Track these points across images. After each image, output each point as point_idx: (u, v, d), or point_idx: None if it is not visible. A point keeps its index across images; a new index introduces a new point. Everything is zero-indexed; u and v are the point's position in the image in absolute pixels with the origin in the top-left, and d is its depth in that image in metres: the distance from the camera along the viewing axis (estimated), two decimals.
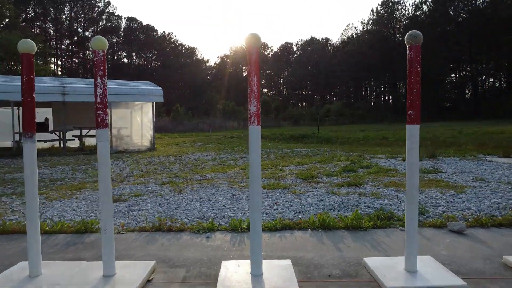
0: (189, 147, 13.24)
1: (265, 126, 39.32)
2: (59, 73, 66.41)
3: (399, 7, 57.59)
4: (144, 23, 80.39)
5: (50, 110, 14.51)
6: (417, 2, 55.90)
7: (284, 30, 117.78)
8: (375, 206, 3.48)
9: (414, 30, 1.85)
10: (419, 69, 1.83)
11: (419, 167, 1.92)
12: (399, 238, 2.58)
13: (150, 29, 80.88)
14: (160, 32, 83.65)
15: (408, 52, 1.85)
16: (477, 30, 47.42)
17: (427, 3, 54.24)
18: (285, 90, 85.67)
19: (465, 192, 4.06)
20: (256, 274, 1.90)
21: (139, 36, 79.37)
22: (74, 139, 13.73)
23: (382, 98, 65.65)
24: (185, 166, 7.30)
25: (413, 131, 1.90)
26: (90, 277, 1.94)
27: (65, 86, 12.08)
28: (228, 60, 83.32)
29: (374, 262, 2.05)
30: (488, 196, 3.81)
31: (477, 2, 51.74)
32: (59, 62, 71.28)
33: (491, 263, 2.14)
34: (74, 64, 74.06)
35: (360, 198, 3.84)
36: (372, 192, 4.14)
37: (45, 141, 13.31)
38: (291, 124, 47.53)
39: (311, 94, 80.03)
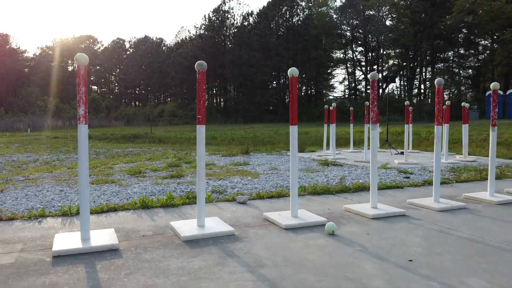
0: (4, 148, 12.00)
1: (95, 126, 37.33)
2: None
3: (229, 16, 61.57)
4: None
5: None
6: (244, 14, 60.75)
7: (116, 25, 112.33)
8: (188, 190, 4.34)
9: (201, 61, 2.72)
10: (204, 87, 2.70)
11: (204, 159, 2.80)
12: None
13: None
14: None
15: (197, 75, 2.71)
16: (293, 44, 54.51)
17: (253, 15, 59.54)
18: (117, 88, 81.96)
19: (259, 177, 5.30)
20: (85, 239, 2.49)
21: None
22: None
23: (214, 101, 69.11)
24: (3, 168, 6.87)
25: (201, 130, 2.76)
26: None
27: None
28: (51, 52, 75.14)
29: (176, 223, 2.87)
30: (273, 180, 5.10)
31: (294, 20, 59.18)
32: None
33: (257, 219, 3.19)
34: None
35: (177, 185, 4.66)
36: (188, 181, 5.01)
37: None
38: (123, 124, 46.07)
39: (145, 94, 78.64)
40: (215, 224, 2.86)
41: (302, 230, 2.85)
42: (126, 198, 3.95)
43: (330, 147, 8.70)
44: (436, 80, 3.63)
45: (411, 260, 2.23)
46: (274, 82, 62.96)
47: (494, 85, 3.79)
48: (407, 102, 8.26)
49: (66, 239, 2.50)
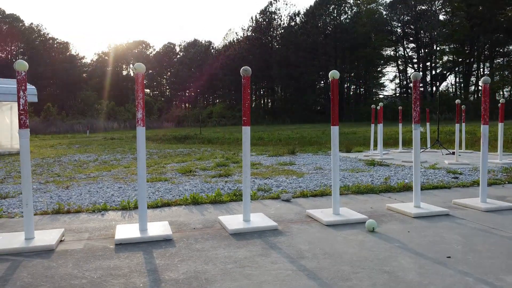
0: (67, 149, 12.94)
1: (148, 128, 38.91)
2: None
3: (276, 17, 61.82)
4: (7, 12, 71.95)
5: None
6: (291, 14, 60.74)
7: (167, 30, 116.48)
8: (235, 188, 4.56)
9: (246, 66, 2.91)
10: (249, 91, 2.89)
11: (249, 159, 2.98)
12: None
13: (14, 19, 72.71)
14: (27, 23, 75.70)
15: (242, 80, 2.90)
16: (341, 43, 53.74)
17: (300, 15, 59.39)
18: (168, 91, 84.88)
19: (303, 176, 5.43)
20: (143, 229, 2.76)
21: (2, 26, 70.76)
22: None
23: (262, 101, 69.64)
24: (66, 167, 7.41)
25: (246, 130, 2.96)
26: (15, 240, 2.57)
27: None
28: (107, 58, 79.25)
29: (224, 218, 3.08)
30: (317, 179, 5.21)
31: (341, 18, 58.32)
32: None
33: (299, 215, 3.33)
34: None
35: (225, 184, 4.90)
36: (236, 180, 5.24)
37: None
38: (174, 125, 47.66)
39: (194, 96, 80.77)
40: (259, 219, 3.04)
41: (342, 227, 2.96)
42: (178, 195, 4.24)
43: (378, 147, 8.63)
44: (482, 78, 3.59)
45: (449, 257, 2.28)
46: (322, 82, 62.33)
47: None
48: (457, 101, 8.01)
49: (126, 230, 2.79)
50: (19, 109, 2.53)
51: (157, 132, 26.42)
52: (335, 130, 3.22)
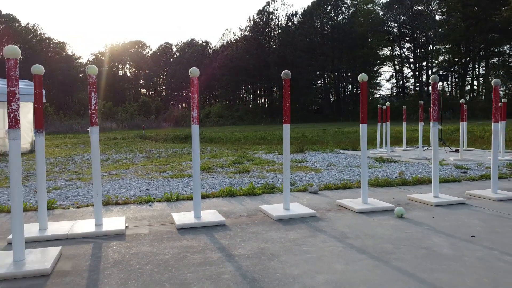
0: (73, 148, 13.10)
1: (147, 128, 39.06)
2: None
3: (273, 17, 62.16)
4: (3, 12, 71.76)
5: None
6: (289, 14, 61.13)
7: (163, 30, 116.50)
8: (262, 182, 4.90)
9: (287, 70, 3.24)
10: (289, 92, 3.23)
11: (289, 156, 3.33)
12: (279, 197, 4.01)
13: (11, 19, 72.54)
14: (23, 23, 75.52)
15: (283, 83, 3.24)
16: (338, 43, 54.18)
17: (297, 16, 59.81)
18: (165, 91, 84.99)
19: (321, 172, 5.78)
20: (197, 216, 3.09)
21: None
22: None
23: (259, 101, 69.99)
24: (82, 166, 7.55)
25: (286, 128, 3.29)
26: (88, 226, 2.89)
27: None
28: (103, 58, 79.20)
29: (265, 207, 3.42)
30: (335, 174, 5.56)
31: (339, 18, 58.76)
32: None
33: (330, 205, 3.67)
34: None
35: (250, 179, 5.23)
36: (258, 175, 5.58)
37: None
38: (172, 125, 47.80)
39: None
40: (298, 208, 3.38)
41: (373, 214, 3.31)
42: (210, 188, 4.57)
43: (384, 145, 8.99)
44: (493, 80, 3.94)
45: (473, 236, 2.63)
46: (319, 82, 62.72)
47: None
48: (462, 100, 8.38)
49: (182, 217, 3.11)
50: (90, 109, 2.84)
51: (158, 132, 26.66)
52: (364, 127, 3.55)
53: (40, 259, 2.19)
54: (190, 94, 3.02)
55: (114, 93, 66.78)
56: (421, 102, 8.55)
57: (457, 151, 8.93)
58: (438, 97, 3.85)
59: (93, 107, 2.85)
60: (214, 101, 74.58)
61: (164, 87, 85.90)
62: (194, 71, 3.01)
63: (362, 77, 3.48)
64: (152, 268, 2.14)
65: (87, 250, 2.46)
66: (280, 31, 61.51)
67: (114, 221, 3.01)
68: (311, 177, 5.30)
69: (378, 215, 3.26)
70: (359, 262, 2.18)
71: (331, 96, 63.51)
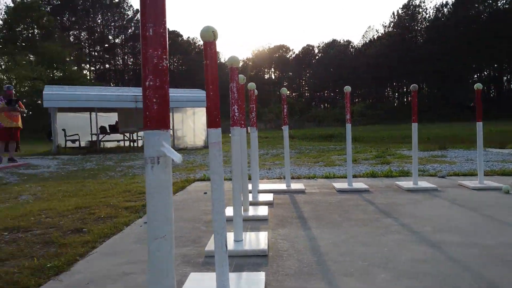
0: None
1: (291, 128, 41.67)
2: (91, 79, 69.66)
3: (420, 10, 59.20)
4: (170, 29, 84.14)
5: (115, 114, 17.05)
6: (438, 5, 57.44)
7: (305, 33, 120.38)
8: (399, 169, 6.15)
9: (414, 84, 4.52)
10: (416, 100, 4.51)
11: (417, 149, 4.58)
12: (411, 179, 5.25)
13: (176, 34, 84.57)
14: (185, 37, 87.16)
15: (411, 93, 4.53)
16: (498, 32, 48.82)
17: (448, 6, 55.81)
18: (307, 92, 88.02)
19: (455, 164, 6.69)
20: (350, 184, 4.62)
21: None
22: (140, 139, 16.46)
23: (405, 99, 67.28)
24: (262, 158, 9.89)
25: (415, 128, 4.57)
26: (277, 187, 4.70)
27: (137, 95, 14.95)
28: (250, 63, 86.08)
29: (399, 182, 4.77)
30: (468, 166, 6.43)
31: (499, 3, 52.91)
32: (92, 68, 75.35)
33: (452, 184, 4.80)
34: (104, 70, 78.08)
35: (390, 166, 6.52)
36: (397, 165, 6.81)
37: (118, 141, 16.45)
38: (315, 125, 49.89)
39: (334, 96, 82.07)
40: (424, 184, 4.63)
41: (484, 190, 4.35)
42: (357, 172, 6.03)
43: None
44: None
45: None
46: (475, 76, 57.39)
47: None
48: None
49: (340, 184, 4.69)
50: (250, 115, 4.62)
51: (302, 132, 28.79)
52: (479, 125, 4.57)
53: (264, 197, 4.01)
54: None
55: (259, 95, 72.12)
56: None
57: None
58: None
59: (253, 114, 4.61)
60: (356, 100, 74.34)
61: (306, 88, 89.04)
62: (347, 89, 4.53)
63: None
64: (325, 205, 3.77)
65: (287, 197, 4.23)
66: (428, 24, 58.30)
67: (297, 185, 4.76)
68: (444, 167, 6.31)
69: (488, 191, 4.30)
70: (457, 210, 3.43)
71: (491, 91, 57.37)
